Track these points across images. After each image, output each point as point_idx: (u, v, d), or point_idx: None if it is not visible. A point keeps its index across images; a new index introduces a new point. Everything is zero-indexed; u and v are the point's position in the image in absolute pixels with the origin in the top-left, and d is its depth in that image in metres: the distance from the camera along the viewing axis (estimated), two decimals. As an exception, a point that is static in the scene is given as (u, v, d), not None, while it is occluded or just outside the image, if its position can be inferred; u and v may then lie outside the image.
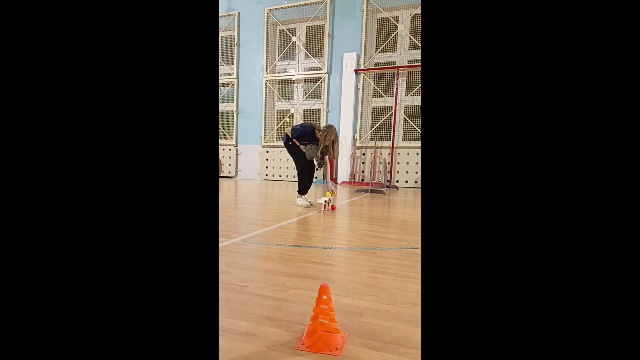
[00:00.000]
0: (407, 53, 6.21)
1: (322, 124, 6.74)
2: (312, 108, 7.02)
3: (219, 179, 7.07)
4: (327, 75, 6.67)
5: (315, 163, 3.18)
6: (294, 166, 3.41)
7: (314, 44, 6.91)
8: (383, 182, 5.87)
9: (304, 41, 6.97)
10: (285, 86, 7.32)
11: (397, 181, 6.26)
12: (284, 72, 7.23)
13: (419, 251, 1.78)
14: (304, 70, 7.04)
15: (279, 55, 7.20)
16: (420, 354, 0.80)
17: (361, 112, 6.46)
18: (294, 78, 7.12)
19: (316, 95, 6.92)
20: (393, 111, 6.18)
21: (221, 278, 1.27)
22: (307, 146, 3.12)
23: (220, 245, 1.77)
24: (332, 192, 3.17)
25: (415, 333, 0.90)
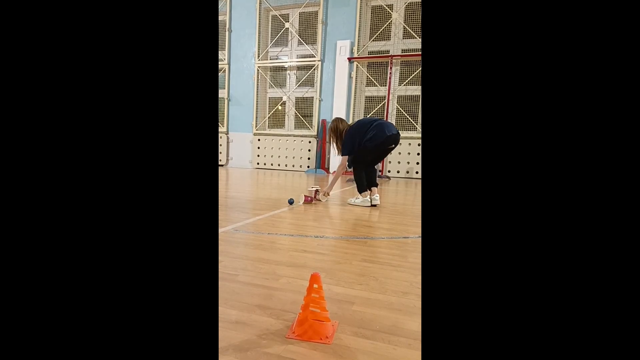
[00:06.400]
0: (401, 42, 6.16)
1: (315, 112, 6.73)
2: (304, 96, 6.95)
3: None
4: (320, 62, 6.59)
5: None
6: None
7: (307, 31, 6.80)
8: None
9: (297, 27, 6.86)
10: (277, 73, 7.22)
11: (389, 171, 6.28)
12: (277, 59, 7.12)
13: (410, 241, 1.80)
14: (297, 58, 6.95)
15: (271, 42, 7.08)
16: (410, 342, 0.81)
17: (354, 101, 6.42)
18: (286, 65, 7.02)
19: (309, 83, 6.85)
20: (386, 101, 6.15)
21: (211, 266, 1.26)
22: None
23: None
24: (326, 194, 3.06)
25: (405, 322, 0.91)
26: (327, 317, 0.82)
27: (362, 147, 2.81)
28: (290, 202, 2.64)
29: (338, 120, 3.02)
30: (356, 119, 6.34)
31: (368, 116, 6.32)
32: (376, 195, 2.91)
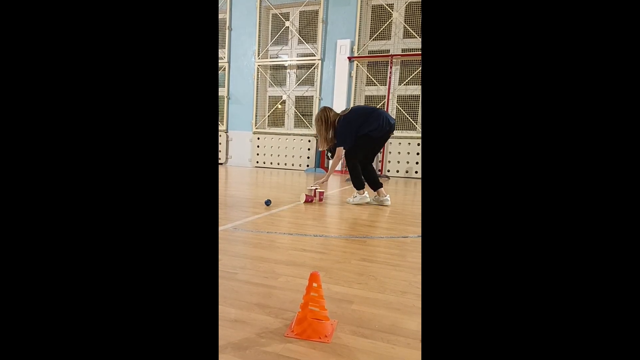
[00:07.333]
0: (401, 42, 6.15)
1: (315, 111, 6.72)
2: (304, 95, 6.95)
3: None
4: (320, 61, 6.58)
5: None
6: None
7: (308, 30, 6.79)
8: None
9: (297, 26, 6.85)
10: (277, 72, 7.21)
11: (389, 170, 6.28)
12: (277, 58, 7.11)
13: (409, 240, 1.80)
14: (297, 56, 6.94)
15: (271, 40, 7.07)
16: (409, 342, 0.81)
17: (354, 100, 6.42)
18: (286, 64, 7.01)
19: (309, 81, 6.84)
20: (386, 100, 6.15)
21: (211, 265, 1.26)
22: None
23: (210, 232, 1.74)
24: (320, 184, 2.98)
25: (404, 321, 0.91)
26: (326, 316, 0.82)
27: (367, 137, 2.71)
28: (267, 203, 2.58)
29: (327, 109, 2.83)
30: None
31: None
32: (387, 196, 2.85)
